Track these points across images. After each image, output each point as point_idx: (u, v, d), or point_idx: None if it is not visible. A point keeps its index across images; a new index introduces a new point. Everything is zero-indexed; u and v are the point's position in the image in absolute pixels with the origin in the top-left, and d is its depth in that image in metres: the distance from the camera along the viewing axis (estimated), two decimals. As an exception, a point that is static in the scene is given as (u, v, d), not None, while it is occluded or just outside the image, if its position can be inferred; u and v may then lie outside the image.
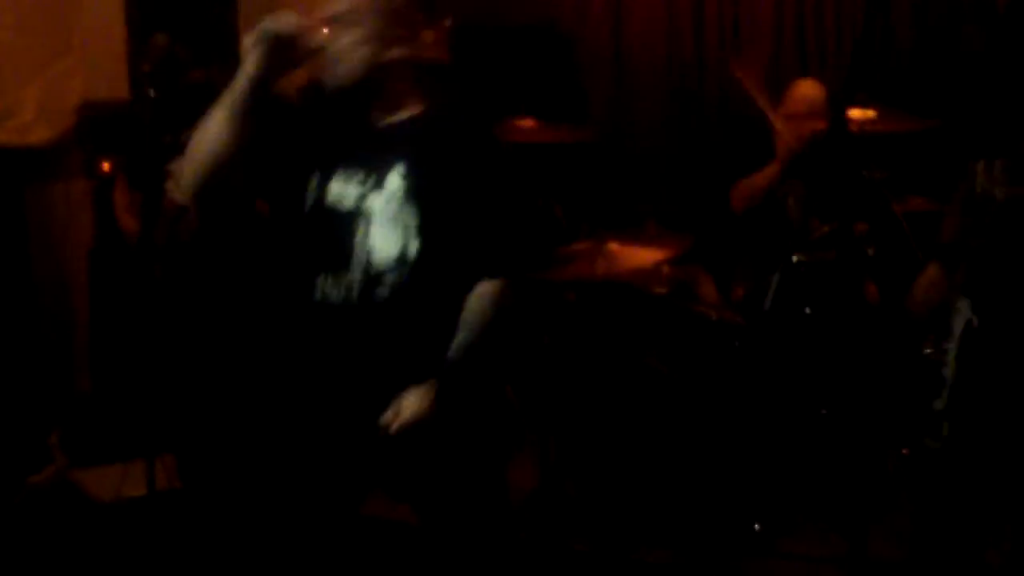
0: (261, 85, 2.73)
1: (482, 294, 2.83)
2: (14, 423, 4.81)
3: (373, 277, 2.81)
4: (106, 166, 5.12)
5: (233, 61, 2.78)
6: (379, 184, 2.82)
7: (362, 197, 2.82)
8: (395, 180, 2.81)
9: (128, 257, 4.77)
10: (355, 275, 2.82)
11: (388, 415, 2.78)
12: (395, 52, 2.78)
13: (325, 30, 2.74)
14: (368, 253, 2.81)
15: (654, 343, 4.58)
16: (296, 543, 2.94)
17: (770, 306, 4.53)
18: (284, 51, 2.71)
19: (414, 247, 2.80)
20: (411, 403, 2.78)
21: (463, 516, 3.00)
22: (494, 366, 2.95)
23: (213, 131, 2.77)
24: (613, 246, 4.57)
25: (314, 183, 2.87)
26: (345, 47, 2.76)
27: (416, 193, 2.80)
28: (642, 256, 4.60)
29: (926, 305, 3.29)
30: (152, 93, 4.08)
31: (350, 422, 2.87)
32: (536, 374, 4.87)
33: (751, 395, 4.32)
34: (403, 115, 2.87)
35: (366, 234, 2.81)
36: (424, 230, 2.80)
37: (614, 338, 4.72)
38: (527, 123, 5.10)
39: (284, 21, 2.70)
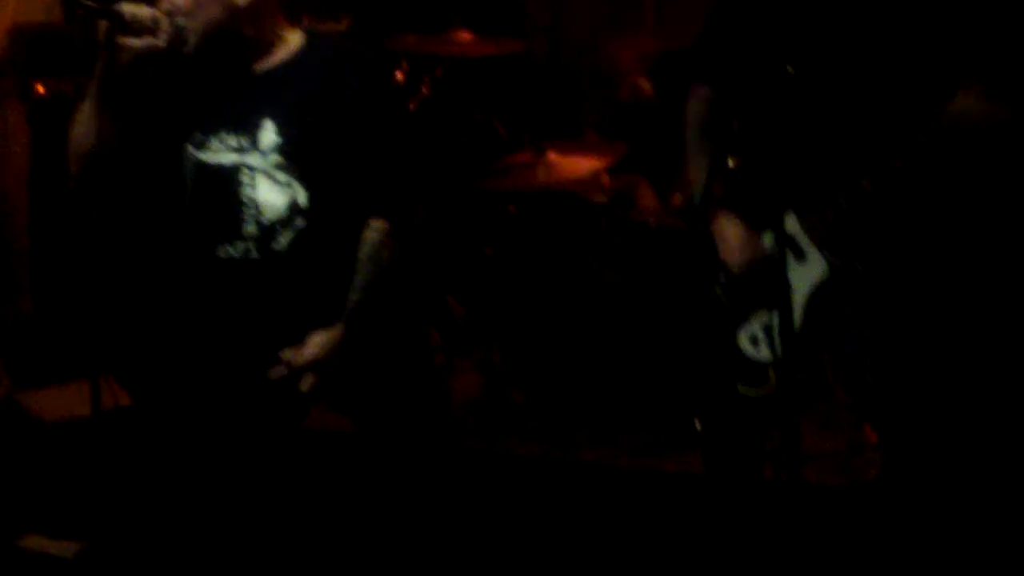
0: (113, 73, 2.73)
1: (370, 235, 2.88)
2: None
3: (268, 229, 2.85)
4: (41, 89, 5.04)
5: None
6: (254, 141, 2.84)
7: (241, 154, 2.85)
8: (269, 135, 2.84)
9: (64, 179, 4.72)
10: (250, 229, 2.86)
11: (289, 352, 2.86)
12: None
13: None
14: (258, 207, 2.85)
15: (595, 251, 4.61)
16: (236, 457, 2.98)
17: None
18: (125, 34, 2.69)
19: (302, 196, 2.84)
20: (313, 344, 2.86)
21: (401, 426, 3.06)
22: (396, 301, 2.99)
23: (82, 125, 2.80)
24: (553, 156, 4.60)
25: (191, 148, 2.88)
26: (190, 3, 2.75)
27: (292, 144, 2.83)
28: (582, 165, 4.64)
29: None
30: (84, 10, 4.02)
31: (261, 367, 2.91)
32: (479, 284, 4.91)
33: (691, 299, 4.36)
34: (269, 63, 2.89)
35: (253, 189, 2.85)
36: (307, 178, 2.84)
37: (555, 247, 4.75)
38: (463, 36, 5.09)
39: (134, 7, 2.70)
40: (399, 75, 5.01)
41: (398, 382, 3.04)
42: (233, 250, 2.88)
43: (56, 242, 4.96)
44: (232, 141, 2.85)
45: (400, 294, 3.01)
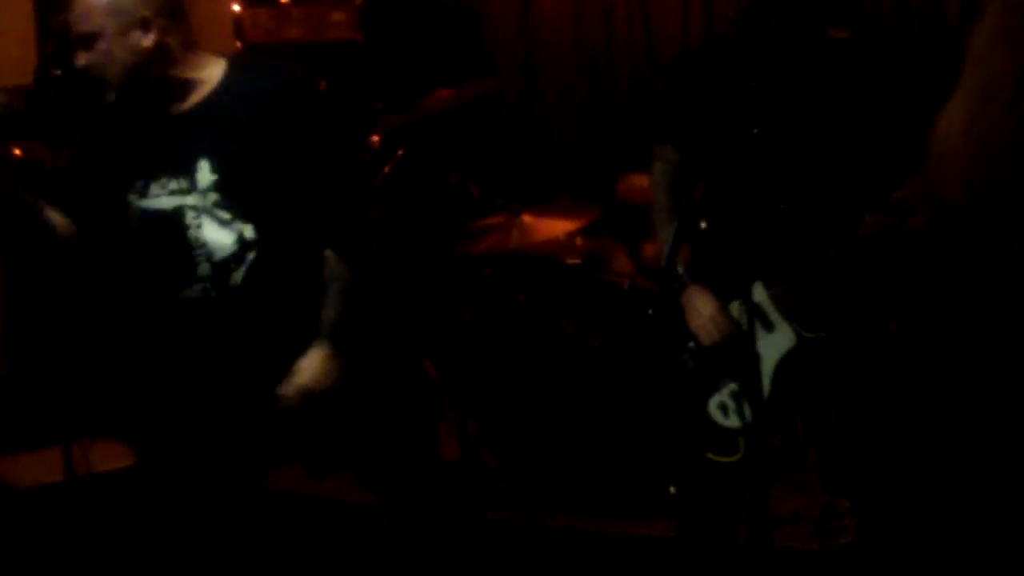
0: None
1: (328, 260, 2.87)
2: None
3: (221, 266, 2.84)
4: (17, 152, 5.05)
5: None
6: (192, 182, 2.82)
7: (182, 196, 2.84)
8: (205, 174, 2.82)
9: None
10: (203, 270, 2.85)
11: (285, 386, 2.82)
12: (146, 41, 2.75)
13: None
14: (206, 247, 2.84)
15: (569, 313, 4.63)
16: (208, 520, 2.96)
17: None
18: None
19: (248, 230, 2.83)
20: (305, 369, 2.83)
21: (407, 487, 3.09)
22: (374, 320, 3.00)
23: None
24: (527, 218, 4.63)
25: (133, 195, 2.87)
26: (100, 56, 2.75)
27: (228, 180, 2.81)
28: (555, 228, 4.66)
29: None
30: (57, 72, 4.05)
31: (245, 405, 2.89)
32: (455, 348, 4.91)
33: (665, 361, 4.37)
34: (193, 99, 2.85)
35: (199, 229, 2.83)
36: (249, 211, 2.82)
37: (530, 309, 4.76)
38: (443, 93, 5.08)
39: None
40: (374, 137, 5.02)
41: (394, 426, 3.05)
42: (192, 292, 2.87)
43: (31, 305, 4.95)
44: (172, 184, 2.83)
45: (374, 310, 3.01)
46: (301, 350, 2.85)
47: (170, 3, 2.80)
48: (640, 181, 4.87)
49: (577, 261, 4.75)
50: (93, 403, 4.44)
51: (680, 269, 3.13)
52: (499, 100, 5.61)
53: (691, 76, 3.21)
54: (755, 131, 2.85)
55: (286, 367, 2.84)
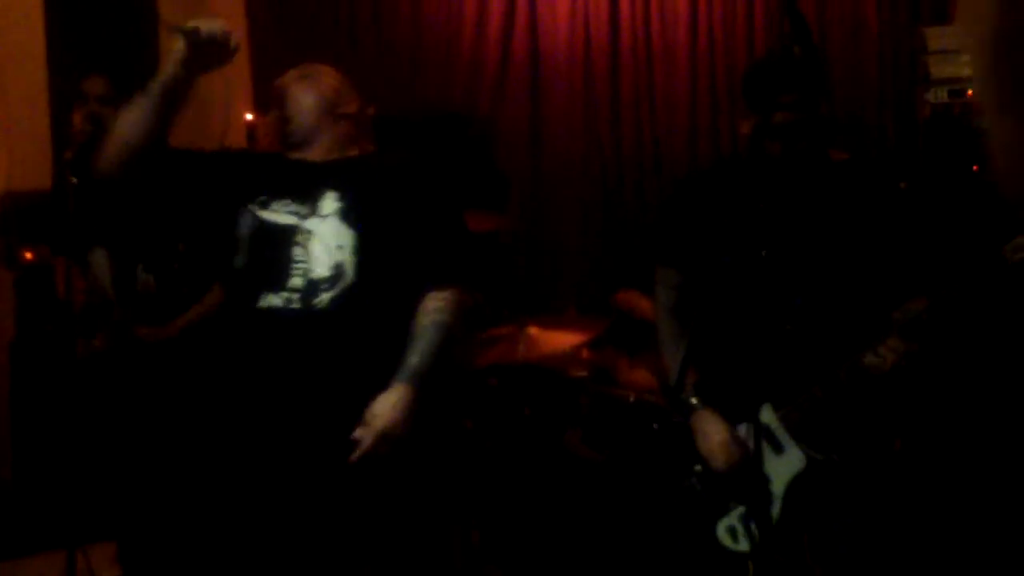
0: (182, 80, 2.94)
1: (432, 303, 2.96)
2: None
3: (313, 284, 2.92)
4: (28, 256, 5.09)
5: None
6: (315, 209, 2.99)
7: (300, 218, 2.99)
8: (330, 204, 2.99)
9: (49, 347, 4.75)
10: (296, 282, 2.94)
11: (361, 430, 2.83)
12: (343, 109, 3.11)
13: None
14: (307, 264, 2.94)
15: (575, 426, 4.63)
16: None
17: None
18: (206, 51, 2.92)
19: (352, 263, 2.93)
20: (381, 412, 2.84)
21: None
22: (449, 376, 3.05)
23: (132, 118, 2.96)
24: (533, 330, 4.65)
25: (254, 206, 3.04)
26: (301, 105, 3.09)
27: (350, 215, 2.96)
28: (562, 340, 4.69)
29: None
30: (74, 180, 4.09)
31: (309, 443, 2.90)
32: (459, 459, 4.90)
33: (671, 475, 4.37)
34: (341, 155, 3.11)
35: (305, 248, 2.96)
36: (360, 249, 2.94)
37: (535, 422, 4.77)
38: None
39: (209, 23, 2.90)
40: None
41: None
42: (276, 299, 2.94)
43: (37, 409, 4.96)
44: (293, 207, 3.02)
45: (451, 368, 3.06)
46: (369, 390, 2.87)
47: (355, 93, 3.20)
48: (637, 298, 4.92)
49: (583, 374, 4.77)
50: (96, 507, 4.42)
51: (688, 392, 3.15)
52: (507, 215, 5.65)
53: (694, 198, 3.26)
54: (764, 253, 2.89)
55: (352, 403, 2.86)
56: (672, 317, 3.29)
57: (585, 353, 4.73)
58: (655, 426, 4.50)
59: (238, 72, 5.59)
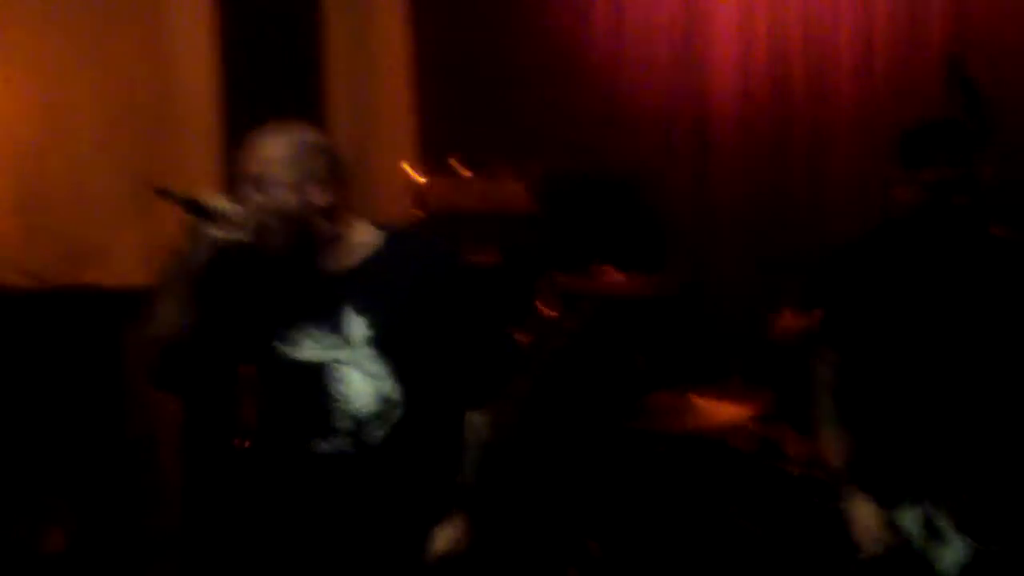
0: (195, 264, 2.73)
1: (473, 420, 2.95)
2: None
3: (362, 422, 2.86)
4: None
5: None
6: (344, 336, 2.86)
7: (331, 350, 2.86)
8: (360, 328, 2.85)
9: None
10: (343, 423, 2.87)
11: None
12: (318, 198, 2.82)
13: (250, 191, 2.79)
14: (348, 401, 2.86)
15: (738, 500, 4.54)
16: None
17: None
18: (213, 227, 2.71)
19: (395, 387, 2.86)
20: (443, 538, 2.90)
21: None
22: (510, 484, 3.03)
23: (159, 317, 2.78)
24: (696, 400, 4.58)
25: (279, 344, 2.90)
26: (269, 205, 2.77)
27: (383, 337, 2.85)
28: (728, 411, 4.62)
29: None
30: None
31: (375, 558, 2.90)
32: (619, 525, 4.85)
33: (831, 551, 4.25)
34: (356, 256, 2.91)
35: (342, 383, 2.86)
36: (399, 370, 2.87)
37: (699, 493, 4.69)
38: (616, 276, 5.12)
39: (208, 198, 2.73)
40: (551, 312, 5.04)
41: None
42: (328, 445, 2.89)
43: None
44: (321, 337, 2.87)
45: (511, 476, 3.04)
46: (436, 515, 2.89)
47: (342, 167, 2.89)
48: (791, 319, 4.77)
49: (752, 448, 4.67)
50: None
51: (843, 476, 3.08)
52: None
53: (853, 274, 3.18)
54: (928, 334, 2.81)
55: (420, 532, 2.88)
56: (830, 396, 3.23)
57: (753, 426, 4.63)
58: (815, 500, 4.38)
59: (403, 130, 5.65)
